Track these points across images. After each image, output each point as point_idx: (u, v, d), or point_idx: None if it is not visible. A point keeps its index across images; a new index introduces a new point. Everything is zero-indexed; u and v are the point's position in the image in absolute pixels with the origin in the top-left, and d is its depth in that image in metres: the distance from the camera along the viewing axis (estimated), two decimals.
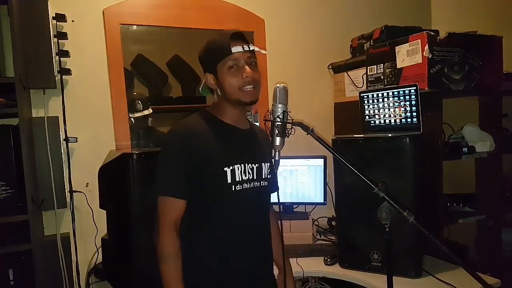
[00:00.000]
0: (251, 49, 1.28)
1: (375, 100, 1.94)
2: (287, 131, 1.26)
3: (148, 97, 2.26)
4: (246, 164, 1.30)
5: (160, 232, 1.23)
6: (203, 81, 1.35)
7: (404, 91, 1.83)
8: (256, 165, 1.33)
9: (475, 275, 1.11)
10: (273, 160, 1.28)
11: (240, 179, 1.28)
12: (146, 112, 2.16)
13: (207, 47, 1.31)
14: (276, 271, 1.49)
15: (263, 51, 1.32)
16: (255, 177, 1.32)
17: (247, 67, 1.25)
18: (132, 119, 2.16)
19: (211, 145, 1.26)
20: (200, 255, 1.27)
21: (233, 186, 1.26)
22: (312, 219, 2.31)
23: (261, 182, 1.35)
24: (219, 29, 2.31)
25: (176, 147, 1.25)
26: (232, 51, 1.24)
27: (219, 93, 1.31)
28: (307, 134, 1.25)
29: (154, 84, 2.34)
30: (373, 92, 1.95)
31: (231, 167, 1.26)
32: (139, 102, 2.14)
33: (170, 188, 1.24)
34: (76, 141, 2.00)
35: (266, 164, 1.37)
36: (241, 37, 1.28)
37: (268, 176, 1.38)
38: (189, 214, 1.26)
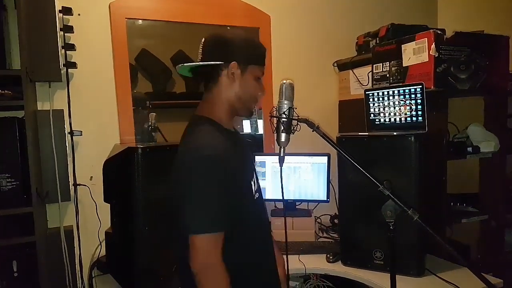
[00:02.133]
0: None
1: (381, 98, 1.93)
2: (292, 128, 1.26)
3: (153, 93, 2.26)
4: (254, 170, 1.32)
5: (212, 274, 1.08)
6: (216, 62, 1.20)
7: (409, 89, 1.82)
8: (254, 165, 1.36)
9: (479, 274, 1.11)
10: (278, 156, 1.28)
11: (257, 187, 1.30)
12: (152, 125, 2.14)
13: (246, 40, 1.24)
14: None
15: None
16: (255, 179, 1.34)
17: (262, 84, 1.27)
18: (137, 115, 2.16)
19: (237, 161, 1.18)
20: (237, 269, 1.16)
21: (255, 195, 1.27)
22: (315, 216, 2.31)
23: (257, 180, 1.37)
24: (224, 25, 2.31)
25: (215, 174, 1.09)
26: (265, 64, 1.26)
27: (226, 90, 1.21)
28: (313, 131, 1.25)
29: (158, 79, 2.34)
30: (378, 90, 1.94)
31: (253, 179, 1.27)
32: (153, 115, 2.12)
33: (216, 223, 1.10)
34: (81, 135, 2.00)
35: (254, 161, 1.41)
36: None
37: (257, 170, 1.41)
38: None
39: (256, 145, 2.48)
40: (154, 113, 2.11)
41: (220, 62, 1.19)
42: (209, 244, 1.08)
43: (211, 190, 1.09)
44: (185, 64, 1.25)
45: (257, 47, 1.27)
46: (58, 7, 1.84)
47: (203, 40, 1.25)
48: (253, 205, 1.26)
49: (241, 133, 1.43)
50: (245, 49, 1.21)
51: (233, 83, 1.21)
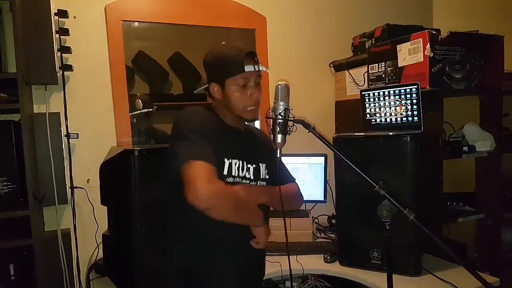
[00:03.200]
0: (261, 69, 1.31)
1: (376, 99, 1.94)
2: (288, 129, 1.27)
3: (150, 95, 2.26)
4: (245, 162, 1.32)
5: (203, 185, 1.14)
6: (203, 86, 1.39)
7: (405, 89, 1.83)
8: (254, 165, 1.36)
9: (475, 273, 1.11)
10: (276, 158, 1.28)
11: (236, 174, 1.29)
12: (145, 110, 2.15)
13: (218, 57, 1.32)
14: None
15: (268, 70, 1.35)
16: (252, 177, 1.34)
17: (254, 88, 1.31)
18: (134, 118, 2.16)
19: (216, 135, 1.27)
20: (189, 242, 1.28)
21: (226, 178, 1.26)
22: (312, 217, 2.31)
23: (258, 182, 1.37)
24: (221, 27, 2.32)
25: (199, 124, 1.26)
26: (245, 70, 1.27)
27: (220, 103, 1.35)
28: (309, 132, 1.25)
29: (155, 81, 2.33)
30: (374, 90, 1.95)
31: (229, 160, 1.28)
32: (139, 101, 2.13)
33: (202, 155, 1.18)
34: (77, 137, 2.00)
35: (263, 165, 1.39)
36: (254, 56, 1.31)
37: (266, 177, 1.40)
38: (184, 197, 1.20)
39: None
40: (140, 100, 2.11)
41: (207, 85, 1.36)
42: (199, 167, 1.16)
43: (195, 134, 1.22)
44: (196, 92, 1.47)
45: (230, 58, 1.29)
46: (53, 9, 1.84)
47: None
48: None
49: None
50: (218, 67, 1.32)
51: (220, 99, 1.34)
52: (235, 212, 1.24)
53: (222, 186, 1.20)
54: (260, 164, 1.38)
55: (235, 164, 1.29)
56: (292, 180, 1.52)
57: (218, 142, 1.26)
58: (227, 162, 1.27)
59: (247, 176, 1.32)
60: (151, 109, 2.12)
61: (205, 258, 1.28)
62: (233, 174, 1.28)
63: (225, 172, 1.26)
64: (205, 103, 1.46)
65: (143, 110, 2.11)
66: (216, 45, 1.37)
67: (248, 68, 1.27)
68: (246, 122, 1.41)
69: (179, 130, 1.27)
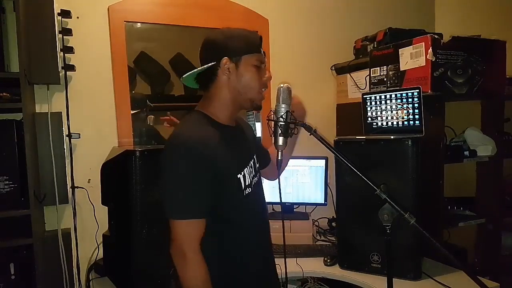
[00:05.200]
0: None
1: (378, 102, 1.94)
2: (290, 131, 1.26)
3: (151, 95, 2.27)
4: (249, 165, 1.30)
5: (185, 261, 1.10)
6: (209, 64, 1.20)
7: (407, 93, 1.83)
8: (252, 160, 1.33)
9: (476, 278, 1.11)
10: (276, 160, 1.28)
11: (249, 182, 1.26)
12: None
13: (235, 34, 1.22)
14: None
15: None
16: (254, 173, 1.32)
17: (265, 71, 1.25)
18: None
19: (223, 153, 1.16)
20: (218, 266, 1.18)
21: (245, 191, 1.23)
22: (313, 219, 2.31)
23: (258, 175, 1.36)
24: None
25: (195, 161, 1.09)
26: (261, 52, 1.24)
27: (224, 87, 1.21)
28: (310, 135, 1.25)
29: (156, 82, 2.34)
30: (376, 94, 1.95)
31: (242, 173, 1.23)
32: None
33: (191, 210, 1.11)
34: (79, 137, 2.00)
35: (254, 155, 1.37)
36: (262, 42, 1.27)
37: (257, 165, 1.38)
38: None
39: None
40: (153, 116, 2.12)
41: (213, 63, 1.19)
42: (184, 230, 1.10)
43: (187, 177, 1.10)
44: (184, 76, 1.24)
45: (248, 36, 1.24)
46: (57, 10, 1.85)
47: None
48: (239, 200, 1.22)
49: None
50: (234, 42, 1.20)
51: (230, 78, 1.21)
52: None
53: (201, 261, 1.12)
54: (254, 156, 1.36)
55: (246, 172, 1.26)
56: (268, 161, 1.54)
57: (227, 157, 1.17)
58: (241, 177, 1.22)
59: (252, 175, 1.30)
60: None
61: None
62: (247, 183, 1.25)
63: (243, 187, 1.23)
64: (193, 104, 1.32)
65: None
66: (222, 28, 1.26)
67: (262, 51, 1.24)
68: (251, 111, 1.33)
69: (170, 166, 1.12)
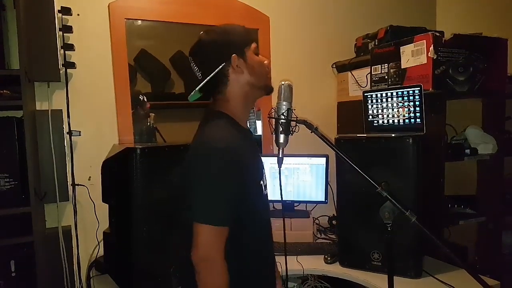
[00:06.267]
0: None
1: (379, 100, 1.94)
2: (291, 129, 1.26)
3: (151, 93, 2.26)
4: (264, 171, 1.31)
5: (211, 267, 1.08)
6: (219, 66, 1.19)
7: (408, 91, 1.83)
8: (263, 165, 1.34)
9: (477, 276, 1.11)
10: (277, 157, 1.28)
11: (264, 187, 1.28)
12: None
13: (230, 31, 1.24)
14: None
15: None
16: (264, 178, 1.33)
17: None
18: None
19: (249, 159, 1.18)
20: (236, 273, 1.15)
21: (264, 196, 1.26)
22: (313, 217, 2.31)
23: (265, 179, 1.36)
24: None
25: (227, 167, 1.09)
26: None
27: (239, 85, 1.21)
28: (311, 132, 1.25)
29: (157, 80, 2.34)
30: (377, 92, 1.95)
31: (263, 179, 1.26)
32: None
33: (222, 216, 1.09)
34: (80, 135, 2.00)
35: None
36: None
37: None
38: None
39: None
40: (153, 114, 2.11)
41: (222, 64, 1.19)
42: (212, 236, 1.08)
43: (222, 182, 1.09)
44: (192, 94, 1.25)
45: (238, 29, 1.26)
46: (57, 7, 1.85)
47: (190, 58, 1.25)
48: (261, 204, 1.25)
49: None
50: (235, 37, 1.23)
51: (242, 73, 1.21)
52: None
53: (226, 269, 1.10)
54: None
55: (265, 179, 1.28)
56: None
57: (252, 163, 1.20)
58: (262, 184, 1.25)
59: (265, 181, 1.31)
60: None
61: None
62: (266, 191, 1.28)
63: (265, 192, 1.26)
64: (206, 102, 1.30)
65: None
66: (212, 28, 1.28)
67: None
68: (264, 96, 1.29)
69: (202, 169, 1.09)
